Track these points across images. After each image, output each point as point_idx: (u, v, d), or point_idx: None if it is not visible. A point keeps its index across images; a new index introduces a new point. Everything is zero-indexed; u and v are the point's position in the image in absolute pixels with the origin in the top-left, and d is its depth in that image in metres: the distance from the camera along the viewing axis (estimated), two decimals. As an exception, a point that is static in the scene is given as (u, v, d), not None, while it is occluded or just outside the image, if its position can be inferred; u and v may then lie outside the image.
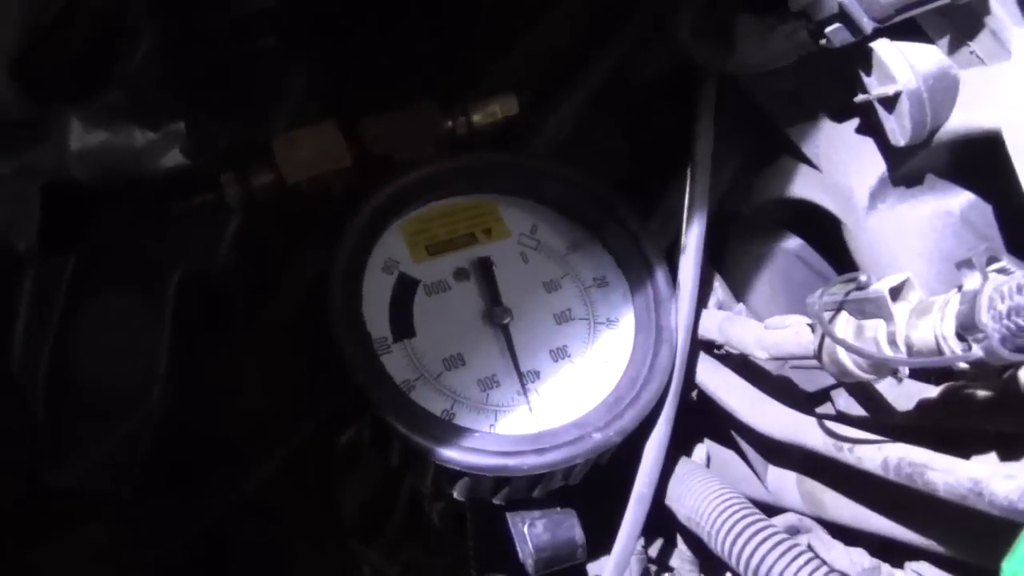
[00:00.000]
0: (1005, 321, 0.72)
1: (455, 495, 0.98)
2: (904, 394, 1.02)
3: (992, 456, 0.91)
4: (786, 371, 1.11)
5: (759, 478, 1.11)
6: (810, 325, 0.94)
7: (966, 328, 0.76)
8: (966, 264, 0.78)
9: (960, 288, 0.77)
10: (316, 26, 1.11)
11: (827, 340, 0.88)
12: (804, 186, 1.10)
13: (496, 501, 0.99)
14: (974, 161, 1.00)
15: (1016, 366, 0.76)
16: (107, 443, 1.02)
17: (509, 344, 1.01)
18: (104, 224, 0.98)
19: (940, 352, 0.78)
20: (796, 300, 1.14)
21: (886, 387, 1.04)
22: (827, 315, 0.88)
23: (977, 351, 0.75)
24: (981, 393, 0.95)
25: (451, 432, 0.94)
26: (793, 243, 1.19)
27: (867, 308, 0.85)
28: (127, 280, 1.01)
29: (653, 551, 1.19)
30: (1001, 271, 0.78)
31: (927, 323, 0.79)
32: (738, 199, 1.17)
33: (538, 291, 1.05)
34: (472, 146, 1.11)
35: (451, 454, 0.92)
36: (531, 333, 1.02)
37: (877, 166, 1.04)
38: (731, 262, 1.20)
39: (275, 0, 1.06)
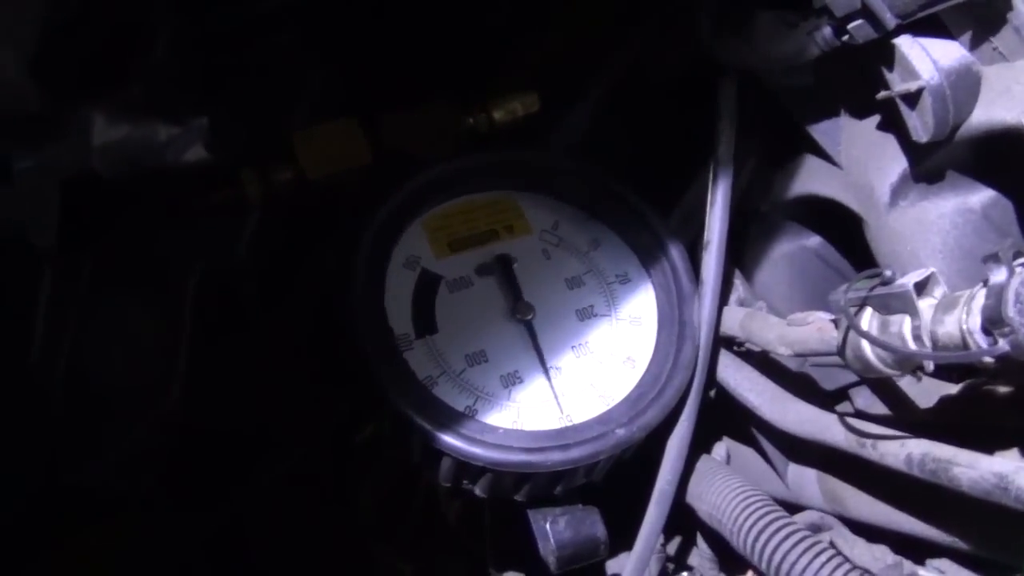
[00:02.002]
0: (1032, 315, 0.72)
1: (477, 492, 0.98)
2: (924, 391, 1.02)
3: (1014, 452, 0.91)
4: (806, 368, 1.11)
5: (779, 476, 1.11)
6: (833, 321, 0.94)
7: (992, 322, 0.76)
8: (992, 258, 0.78)
9: (986, 282, 0.77)
10: (336, 22, 1.11)
11: (851, 336, 0.88)
12: (825, 183, 1.10)
13: (518, 498, 0.98)
14: (996, 157, 0.99)
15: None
16: (124, 441, 1.03)
17: (533, 340, 1.01)
18: (123, 221, 0.98)
19: (966, 347, 0.78)
20: (815, 298, 1.13)
21: (906, 384, 1.04)
22: (852, 310, 0.88)
23: (1004, 345, 0.75)
24: (1002, 389, 0.95)
25: (474, 428, 0.94)
26: (813, 241, 1.19)
27: (892, 303, 0.85)
28: (146, 278, 1.01)
29: (672, 548, 1.20)
30: (1030, 265, 0.78)
31: (953, 318, 0.79)
32: (758, 197, 1.16)
33: (560, 287, 1.05)
34: (493, 143, 1.11)
35: (474, 450, 0.92)
36: (554, 329, 1.02)
37: (899, 163, 1.03)
38: (751, 259, 1.20)
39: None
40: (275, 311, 1.11)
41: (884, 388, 1.02)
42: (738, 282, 1.16)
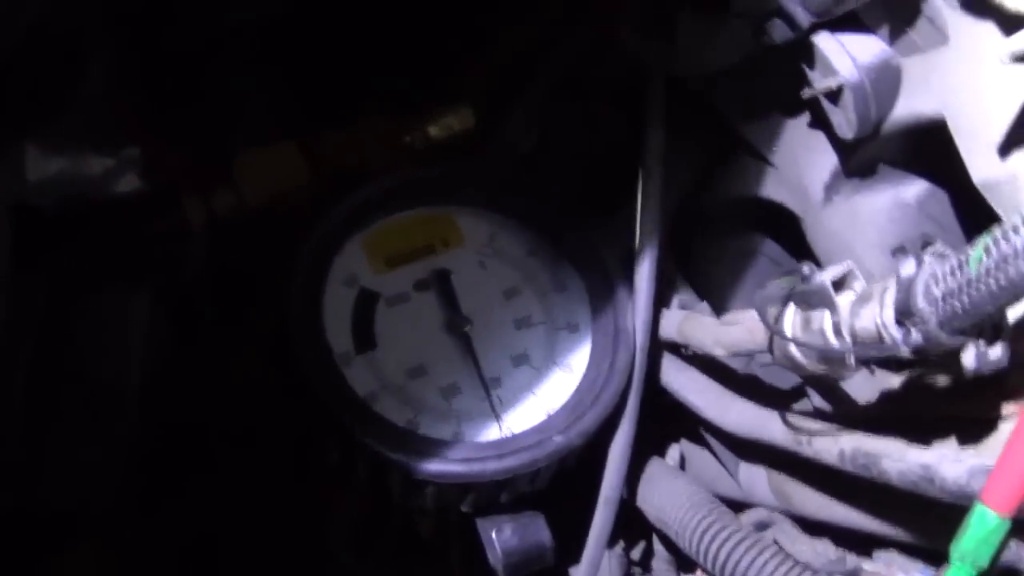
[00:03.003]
0: (941, 304, 0.73)
1: (426, 505, 0.99)
2: (869, 384, 1.03)
3: (952, 441, 0.92)
4: (753, 369, 1.12)
5: (731, 475, 1.12)
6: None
7: (904, 314, 0.76)
8: (901, 251, 0.79)
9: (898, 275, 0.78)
10: (276, 44, 1.12)
11: (775, 334, 0.89)
12: (761, 183, 1.11)
13: (464, 508, 1.00)
14: (926, 148, 1.00)
15: (958, 349, 0.76)
16: (84, 458, 1.04)
17: (471, 352, 1.02)
18: (74, 245, 0.99)
19: (882, 340, 0.79)
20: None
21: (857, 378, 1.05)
22: (775, 308, 0.89)
23: (917, 337, 0.76)
24: (940, 379, 0.96)
25: (415, 442, 0.95)
26: (758, 239, 1.19)
27: (812, 299, 0.86)
28: (99, 300, 1.02)
29: (637, 553, 1.21)
30: (937, 256, 0.79)
31: (868, 312, 0.80)
32: (701, 197, 1.17)
33: (497, 298, 1.07)
34: (429, 158, 1.12)
35: (414, 463, 0.94)
36: (492, 340, 1.04)
37: (830, 159, 1.04)
38: (698, 260, 1.21)
39: (239, 22, 1.08)
40: (233, 329, 1.12)
41: (825, 385, 1.02)
42: (681, 285, 1.17)
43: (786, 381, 1.13)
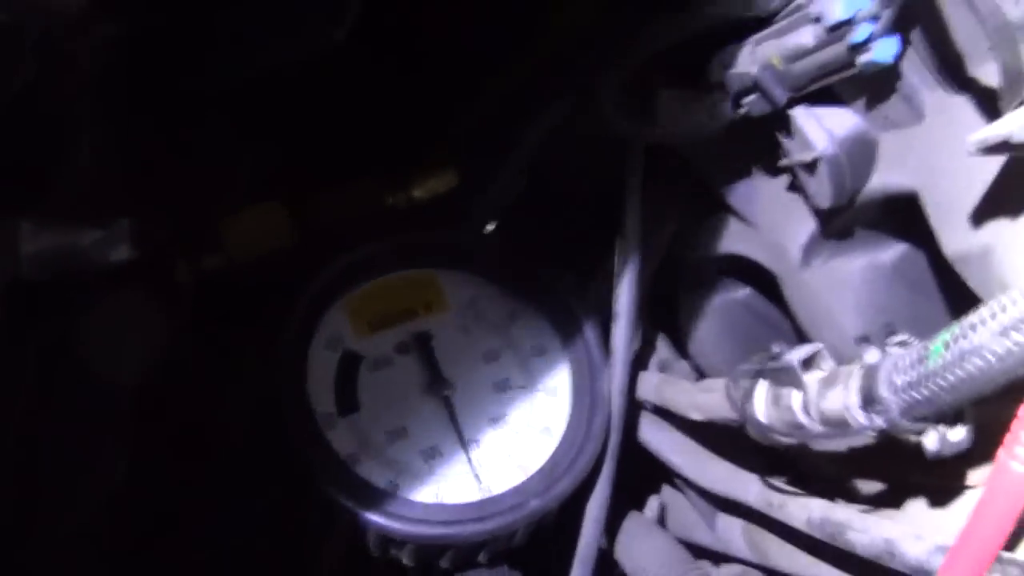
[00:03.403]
0: (902, 394, 0.75)
1: (405, 560, 1.01)
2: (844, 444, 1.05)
3: (922, 504, 0.94)
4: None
5: (708, 527, 1.14)
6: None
7: (868, 401, 0.79)
8: (864, 340, 0.81)
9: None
10: (266, 107, 1.14)
11: (747, 409, 0.91)
12: (742, 243, 1.12)
13: (444, 565, 1.02)
14: (903, 215, 1.01)
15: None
16: (71, 517, 1.05)
17: (452, 415, 1.04)
18: (61, 317, 1.01)
19: (846, 422, 0.81)
20: (747, 350, 1.14)
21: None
22: (747, 382, 0.91)
23: (880, 422, 0.78)
24: (909, 447, 0.98)
25: (394, 503, 0.97)
26: (742, 293, 1.21)
27: (782, 377, 0.88)
28: (85, 369, 1.04)
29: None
30: (901, 344, 0.80)
31: (835, 394, 0.82)
32: (684, 253, 1.19)
33: (478, 361, 1.09)
34: (413, 218, 1.14)
35: (394, 525, 0.96)
36: (471, 403, 1.06)
37: (808, 223, 1.05)
38: (683, 314, 1.22)
39: (230, 87, 1.09)
40: (219, 388, 1.14)
41: (800, 450, 1.04)
42: (661, 344, 1.18)
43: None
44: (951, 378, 0.70)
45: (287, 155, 1.16)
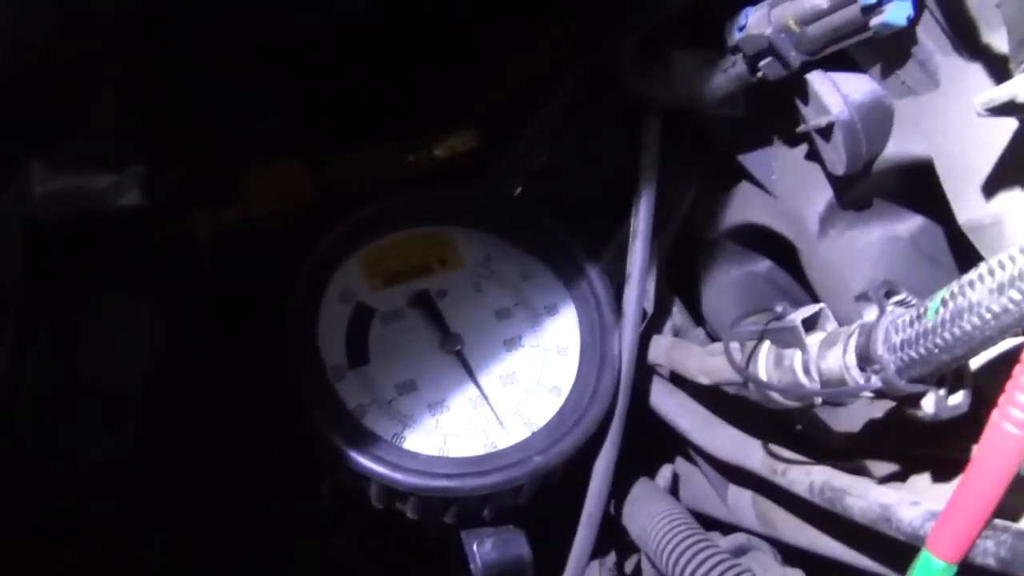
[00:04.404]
0: (899, 353, 0.75)
1: (408, 514, 1.02)
2: (851, 415, 1.05)
3: (927, 478, 0.93)
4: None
5: (720, 497, 1.14)
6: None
7: (864, 360, 0.79)
8: (864, 297, 0.81)
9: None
10: (290, 66, 1.15)
11: (750, 369, 0.91)
12: (760, 212, 1.12)
13: (448, 520, 1.02)
14: (919, 185, 1.01)
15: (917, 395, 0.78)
16: (89, 457, 1.07)
17: (467, 369, 1.05)
18: (81, 257, 1.03)
19: (845, 382, 0.81)
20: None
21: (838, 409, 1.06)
22: (750, 344, 0.91)
23: (876, 382, 0.78)
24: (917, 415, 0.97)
25: (399, 455, 0.98)
26: (762, 265, 1.21)
27: (785, 338, 0.88)
28: (106, 308, 1.06)
29: (630, 567, 1.23)
30: (901, 303, 0.80)
31: (834, 353, 0.82)
32: (702, 224, 1.19)
33: (490, 319, 1.09)
34: (431, 178, 1.15)
35: (396, 475, 0.97)
36: (482, 359, 1.06)
37: (826, 193, 1.05)
38: (701, 285, 1.23)
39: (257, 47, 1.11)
40: (236, 337, 1.15)
41: (805, 415, 1.04)
42: (676, 310, 1.19)
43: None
44: (947, 336, 0.70)
45: (309, 115, 1.18)
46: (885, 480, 0.94)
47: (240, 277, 1.12)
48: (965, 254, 1.03)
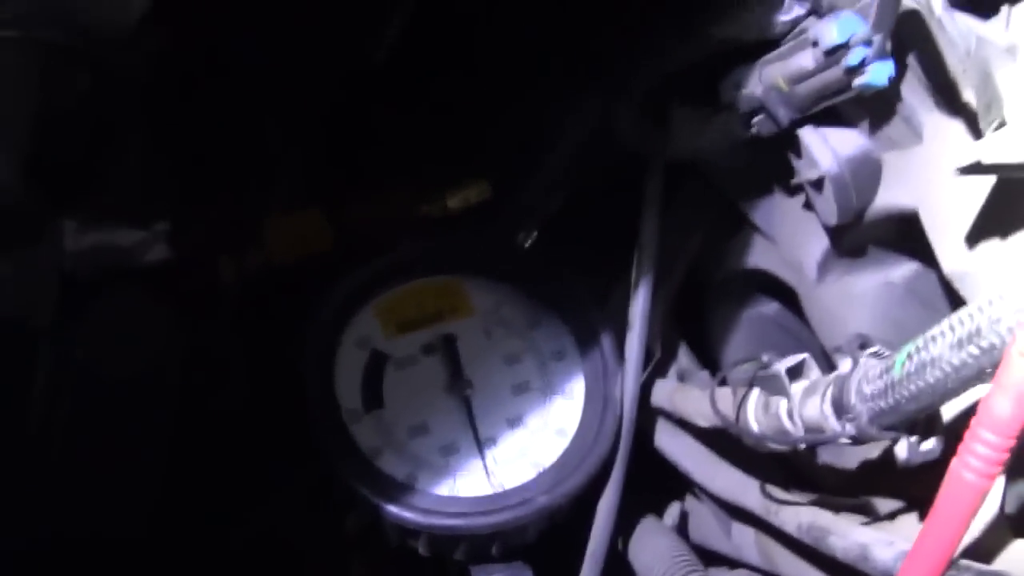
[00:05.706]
0: (870, 403, 0.79)
1: (420, 551, 1.07)
2: (849, 454, 1.08)
3: (913, 519, 0.96)
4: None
5: (724, 534, 1.17)
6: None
7: (839, 408, 0.83)
8: (838, 350, 0.85)
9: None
10: (306, 118, 1.21)
11: (740, 415, 0.95)
12: (764, 258, 1.16)
13: (458, 557, 1.07)
14: (911, 233, 1.04)
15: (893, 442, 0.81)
16: (119, 492, 1.12)
17: (469, 414, 1.09)
18: (106, 303, 1.08)
19: (823, 429, 0.85)
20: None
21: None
22: (741, 391, 0.95)
23: (850, 429, 0.82)
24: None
25: (411, 495, 1.03)
26: (770, 308, 1.24)
27: (772, 385, 0.92)
28: (133, 352, 1.11)
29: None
30: (874, 355, 0.84)
31: (813, 402, 0.86)
32: (711, 267, 1.23)
33: (499, 364, 1.13)
34: (447, 227, 1.20)
35: (408, 515, 1.02)
36: (490, 403, 1.11)
37: (822, 240, 1.08)
38: (710, 327, 1.26)
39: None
40: (261, 381, 1.21)
41: (801, 455, 1.07)
42: (681, 353, 1.22)
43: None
44: (913, 388, 0.74)
45: (328, 165, 1.23)
46: (885, 518, 0.98)
47: (263, 320, 1.18)
48: (959, 298, 1.07)
